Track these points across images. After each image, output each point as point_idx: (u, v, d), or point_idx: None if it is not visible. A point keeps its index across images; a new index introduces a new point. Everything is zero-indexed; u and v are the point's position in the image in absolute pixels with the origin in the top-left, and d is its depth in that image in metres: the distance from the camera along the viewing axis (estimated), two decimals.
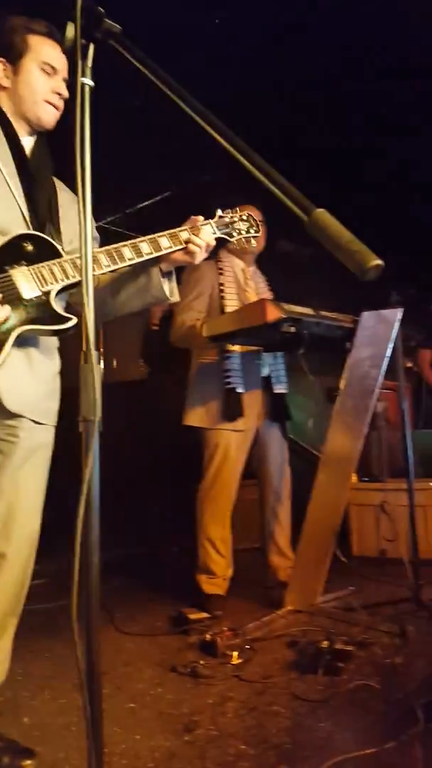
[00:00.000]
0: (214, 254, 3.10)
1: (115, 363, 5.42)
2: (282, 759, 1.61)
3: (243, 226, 1.79)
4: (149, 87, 1.07)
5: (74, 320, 1.54)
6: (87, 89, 1.10)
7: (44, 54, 1.64)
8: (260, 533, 3.22)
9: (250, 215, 1.84)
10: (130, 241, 1.59)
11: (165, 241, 1.60)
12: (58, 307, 1.53)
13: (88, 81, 1.09)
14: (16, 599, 1.66)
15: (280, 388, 3.09)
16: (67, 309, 1.63)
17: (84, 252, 1.09)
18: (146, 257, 1.59)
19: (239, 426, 2.93)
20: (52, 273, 1.52)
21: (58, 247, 1.57)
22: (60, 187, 1.75)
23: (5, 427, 1.61)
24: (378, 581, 3.30)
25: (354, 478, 3.73)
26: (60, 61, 1.65)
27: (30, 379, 1.61)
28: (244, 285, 3.11)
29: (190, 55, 3.34)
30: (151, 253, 1.59)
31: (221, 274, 3.04)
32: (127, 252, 1.57)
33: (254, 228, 1.83)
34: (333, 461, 2.82)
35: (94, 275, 1.52)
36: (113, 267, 1.56)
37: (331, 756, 1.57)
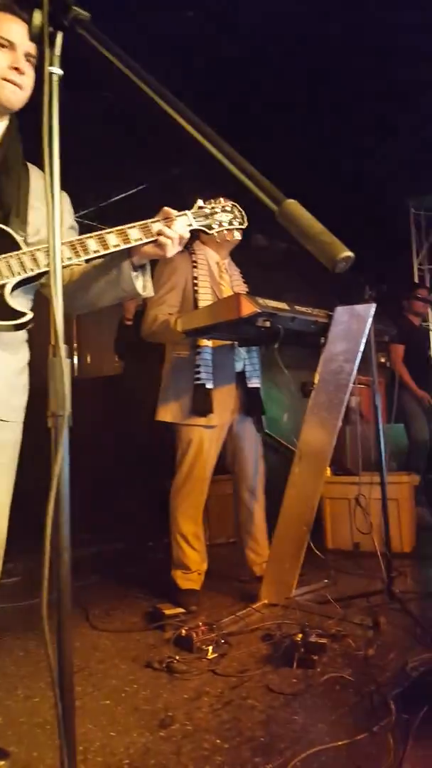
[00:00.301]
0: (188, 246, 3.10)
1: (89, 358, 5.37)
2: (257, 752, 1.61)
3: (225, 217, 1.70)
4: (120, 77, 1.05)
5: (29, 315, 1.49)
6: (55, 78, 1.06)
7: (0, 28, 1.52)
8: (235, 528, 3.23)
9: (235, 205, 1.74)
10: (96, 233, 1.52)
11: (135, 233, 1.52)
12: (14, 302, 1.48)
13: (57, 70, 1.06)
14: None
15: (254, 383, 3.09)
16: (41, 300, 1.59)
17: (52, 245, 1.06)
18: (114, 249, 1.52)
19: (212, 421, 2.93)
20: (9, 266, 1.47)
21: (18, 238, 1.51)
22: (34, 174, 1.67)
23: None
24: (352, 574, 3.34)
25: (328, 472, 3.75)
26: (19, 34, 1.53)
27: None
28: (218, 278, 3.09)
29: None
30: (119, 246, 1.52)
31: (195, 267, 3.01)
32: (92, 244, 1.50)
33: (238, 219, 1.73)
34: (307, 455, 2.83)
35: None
36: (76, 260, 1.50)
37: (305, 748, 1.58)
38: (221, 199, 1.71)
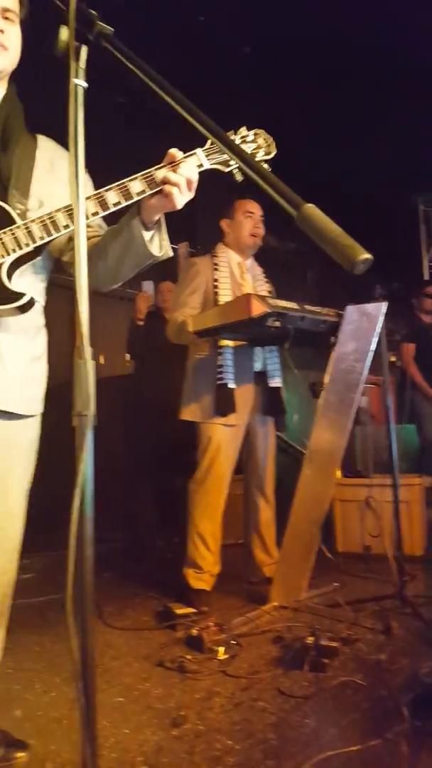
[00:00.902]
0: (210, 250, 3.10)
1: (102, 359, 5.39)
2: (268, 755, 1.61)
3: (247, 149, 1.48)
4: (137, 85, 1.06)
5: (27, 296, 1.40)
6: (80, 90, 1.06)
7: None
8: (245, 529, 3.22)
9: (258, 133, 1.51)
10: (94, 193, 1.37)
11: (137, 185, 1.36)
12: (15, 283, 1.39)
13: (82, 82, 1.06)
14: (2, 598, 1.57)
15: (275, 382, 3.09)
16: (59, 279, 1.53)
17: (78, 247, 1.05)
18: (114, 208, 1.36)
19: (231, 421, 2.93)
20: (3, 244, 1.37)
21: (13, 213, 1.40)
22: (43, 144, 1.57)
23: None
24: (363, 577, 3.32)
25: (338, 473, 3.74)
26: None
27: None
28: (240, 279, 3.11)
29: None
30: (120, 203, 1.36)
31: (216, 269, 3.04)
32: (91, 206, 1.35)
33: (264, 149, 1.50)
34: (318, 457, 2.82)
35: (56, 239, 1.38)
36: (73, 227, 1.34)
37: (316, 752, 1.58)
38: (243, 129, 1.50)
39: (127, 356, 5.01)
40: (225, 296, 2.96)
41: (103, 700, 1.96)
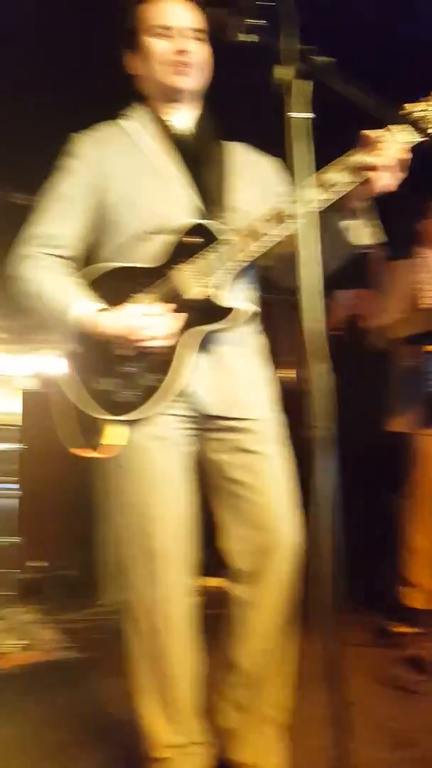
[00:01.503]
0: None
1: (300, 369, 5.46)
2: None
3: None
4: None
5: (242, 310, 1.41)
6: (303, 122, 1.08)
7: (153, 17, 1.46)
8: None
9: None
10: (288, 196, 1.33)
11: (336, 177, 1.31)
12: (225, 299, 1.40)
13: (301, 115, 1.09)
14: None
15: None
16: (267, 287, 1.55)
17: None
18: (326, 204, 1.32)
19: None
20: (209, 263, 1.39)
21: (218, 229, 1.41)
22: (234, 151, 1.58)
23: (231, 441, 1.48)
24: None
25: None
26: (175, 16, 1.45)
27: (225, 377, 1.47)
28: None
29: None
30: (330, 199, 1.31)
31: (418, 272, 2.94)
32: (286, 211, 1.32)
33: None
34: None
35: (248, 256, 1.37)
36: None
37: None
38: None
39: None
40: (429, 299, 2.85)
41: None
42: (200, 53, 1.48)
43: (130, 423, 1.41)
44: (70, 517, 3.25)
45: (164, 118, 1.53)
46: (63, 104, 2.79)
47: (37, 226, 1.50)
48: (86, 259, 1.53)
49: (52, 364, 4.04)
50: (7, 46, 2.74)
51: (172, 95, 1.50)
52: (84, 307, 1.39)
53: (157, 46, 1.46)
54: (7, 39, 2.72)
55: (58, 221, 1.49)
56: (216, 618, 1.51)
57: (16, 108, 3.03)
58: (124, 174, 1.49)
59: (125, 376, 1.41)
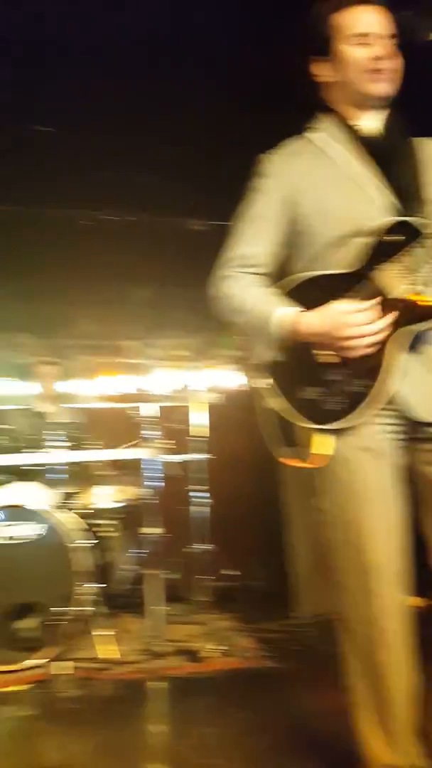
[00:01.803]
0: None
1: None
2: None
3: None
4: None
5: None
6: None
7: (349, 25, 1.46)
8: None
9: None
10: None
11: None
12: None
13: None
14: None
15: None
16: None
17: None
18: None
19: None
20: (415, 260, 1.35)
21: (421, 224, 1.37)
22: (425, 147, 1.55)
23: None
24: None
25: None
26: (371, 23, 1.45)
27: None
28: None
29: None
30: None
31: None
32: None
33: None
34: None
35: None
36: None
37: None
38: None
39: None
40: None
41: None
42: (396, 59, 1.48)
43: (338, 432, 1.39)
44: (258, 528, 3.32)
45: (352, 123, 1.52)
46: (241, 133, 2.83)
47: (234, 248, 1.55)
48: (281, 274, 1.55)
49: (230, 378, 4.19)
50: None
51: (368, 102, 1.50)
52: (286, 311, 1.41)
53: (355, 53, 1.46)
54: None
55: (253, 242, 1.53)
56: (424, 639, 1.43)
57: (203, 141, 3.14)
58: (315, 185, 1.49)
59: (330, 384, 1.39)
